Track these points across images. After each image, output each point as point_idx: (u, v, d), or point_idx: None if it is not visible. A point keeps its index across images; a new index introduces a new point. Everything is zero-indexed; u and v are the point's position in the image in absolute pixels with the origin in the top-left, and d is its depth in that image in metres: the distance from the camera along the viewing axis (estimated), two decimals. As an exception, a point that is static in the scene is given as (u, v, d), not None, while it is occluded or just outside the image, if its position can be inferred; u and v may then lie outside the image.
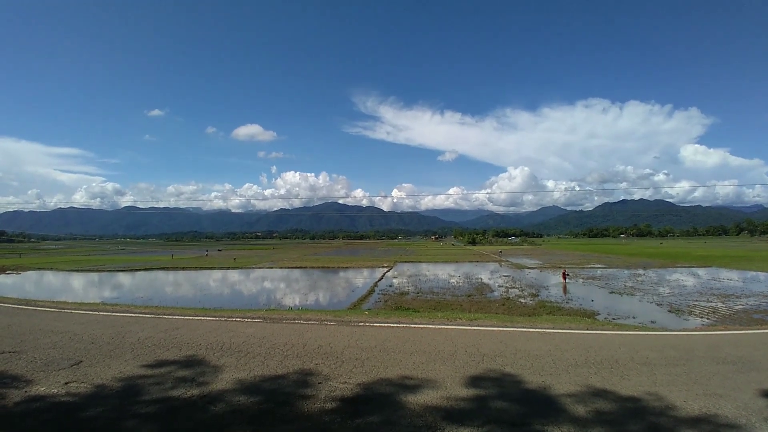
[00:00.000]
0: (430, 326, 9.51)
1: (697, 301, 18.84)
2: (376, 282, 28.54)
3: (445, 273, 35.89)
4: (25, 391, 5.15)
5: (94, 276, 36.88)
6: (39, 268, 43.83)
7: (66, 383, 5.47)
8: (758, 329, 10.08)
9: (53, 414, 4.49)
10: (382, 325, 9.66)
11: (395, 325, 9.64)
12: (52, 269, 43.04)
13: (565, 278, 28.74)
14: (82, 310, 12.08)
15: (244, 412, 4.53)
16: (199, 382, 5.48)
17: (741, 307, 16.71)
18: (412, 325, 9.61)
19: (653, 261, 45.04)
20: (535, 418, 4.34)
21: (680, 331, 10.18)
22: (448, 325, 9.72)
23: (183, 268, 43.03)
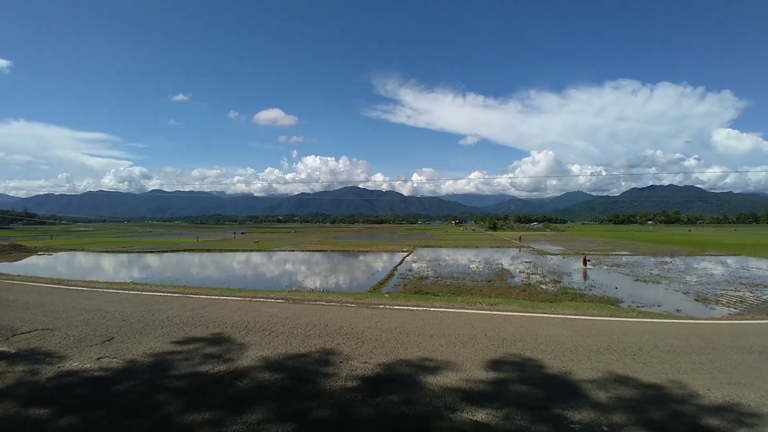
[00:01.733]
0: (450, 310, 9.54)
1: (724, 290, 18.26)
2: (396, 266, 28.69)
3: (464, 258, 35.75)
4: (59, 367, 5.41)
5: (124, 257, 38.35)
6: (70, 249, 45.82)
7: (98, 359, 5.74)
8: (789, 320, 9.68)
9: (86, 388, 4.72)
10: (402, 308, 9.75)
11: (415, 308, 9.72)
12: (83, 250, 44.95)
13: (585, 264, 28.67)
14: (112, 289, 12.61)
15: (268, 388, 4.69)
16: (225, 359, 5.69)
17: (771, 297, 16.10)
18: (432, 309, 9.66)
19: (681, 249, 43.68)
20: (554, 403, 4.34)
21: (706, 319, 9.92)
22: (468, 309, 9.73)
23: (208, 250, 44.26)
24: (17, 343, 6.50)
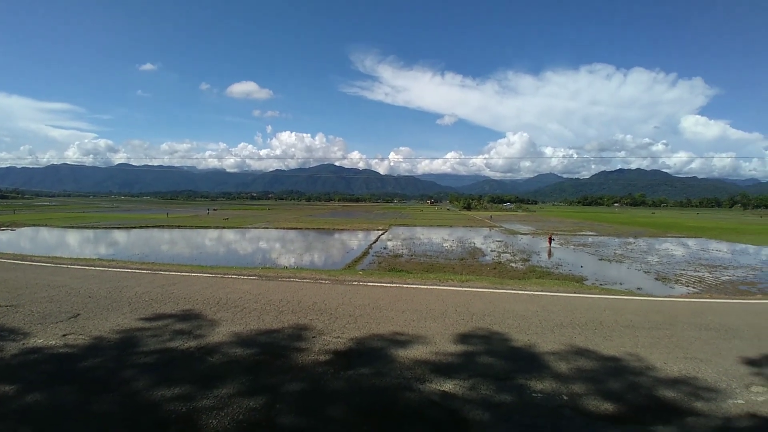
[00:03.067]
0: (422, 286, 9.72)
1: (684, 270, 19.28)
2: (371, 244, 28.84)
3: (439, 237, 36.26)
4: (23, 344, 5.24)
5: (90, 233, 36.91)
6: (34, 225, 43.68)
7: (64, 335, 5.58)
8: (743, 299, 10.31)
9: (52, 365, 4.61)
10: (376, 284, 9.86)
11: (388, 284, 9.84)
12: (47, 225, 42.93)
13: (551, 242, 30.26)
14: (78, 265, 12.17)
15: (240, 363, 4.70)
16: (195, 335, 5.64)
17: (727, 277, 17.13)
18: (405, 285, 9.81)
19: (644, 230, 45.67)
20: (519, 374, 4.55)
21: (665, 297, 10.46)
22: (439, 285, 9.93)
23: (179, 227, 43.14)
24: (-25, 320, 6.22)
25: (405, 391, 4.08)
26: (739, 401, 4.04)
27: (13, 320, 6.26)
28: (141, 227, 42.00)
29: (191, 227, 42.86)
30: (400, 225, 50.92)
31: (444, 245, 29.33)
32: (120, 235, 34.80)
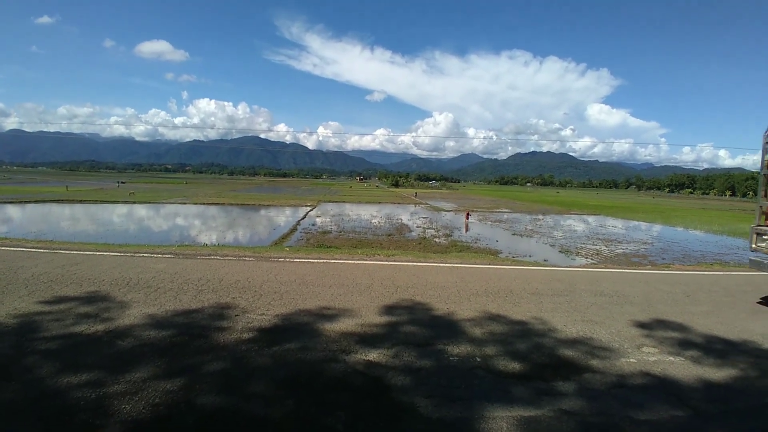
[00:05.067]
0: (350, 261, 9.85)
1: (584, 244, 21.54)
2: (299, 221, 28.28)
3: (367, 213, 36.60)
4: None
5: (-36, 207, 31.56)
6: None
7: (-52, 322, 4.83)
8: (634, 269, 11.74)
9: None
10: (303, 260, 9.77)
11: (316, 260, 9.80)
12: None
13: (468, 218, 32.30)
14: (-49, 244, 10.45)
15: (154, 345, 4.43)
16: (103, 318, 5.19)
17: (621, 251, 19.45)
18: (333, 261, 9.85)
19: (552, 208, 50.15)
20: (438, 340, 4.87)
21: (566, 267, 11.68)
22: (366, 260, 10.13)
23: (80, 201, 38.50)
24: None
25: (330, 363, 4.16)
26: (631, 360, 4.60)
27: None
28: (37, 201, 36.75)
29: (95, 202, 38.48)
30: (329, 201, 50.46)
31: (372, 221, 29.69)
32: (13, 211, 30.20)
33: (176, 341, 4.57)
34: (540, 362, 4.45)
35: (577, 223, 33.67)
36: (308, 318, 5.49)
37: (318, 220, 29.45)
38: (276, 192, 70.12)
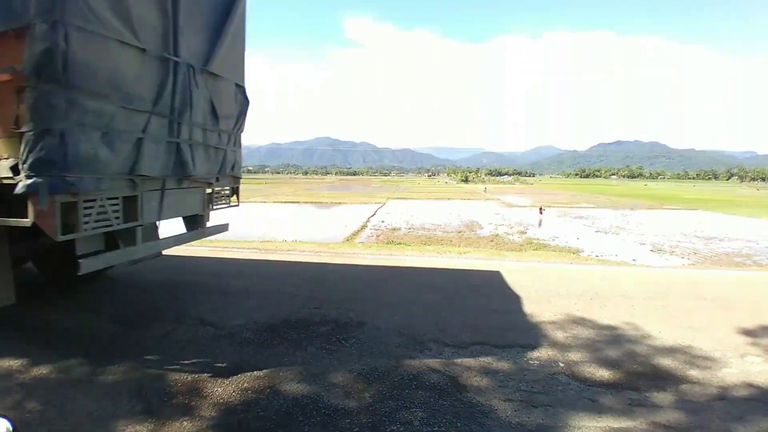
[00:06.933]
0: (421, 258, 9.80)
1: (679, 242, 19.43)
2: (369, 218, 28.86)
3: (436, 210, 36.30)
4: None
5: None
6: None
7: None
8: (738, 270, 10.40)
9: None
10: (375, 256, 9.92)
11: (387, 256, 9.90)
12: None
13: (541, 213, 30.68)
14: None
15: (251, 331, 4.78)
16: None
17: (722, 250, 17.27)
18: (404, 257, 9.88)
19: (641, 202, 45.81)
20: (516, 342, 4.65)
21: (660, 267, 10.58)
22: (438, 257, 10.01)
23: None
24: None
25: (407, 359, 4.17)
26: (734, 370, 4.11)
27: None
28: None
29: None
30: (398, 198, 50.85)
31: (441, 218, 29.39)
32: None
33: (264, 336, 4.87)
34: (632, 370, 4.07)
35: (670, 219, 30.42)
36: (383, 313, 5.54)
37: (387, 216, 29.79)
38: (346, 190, 72.27)
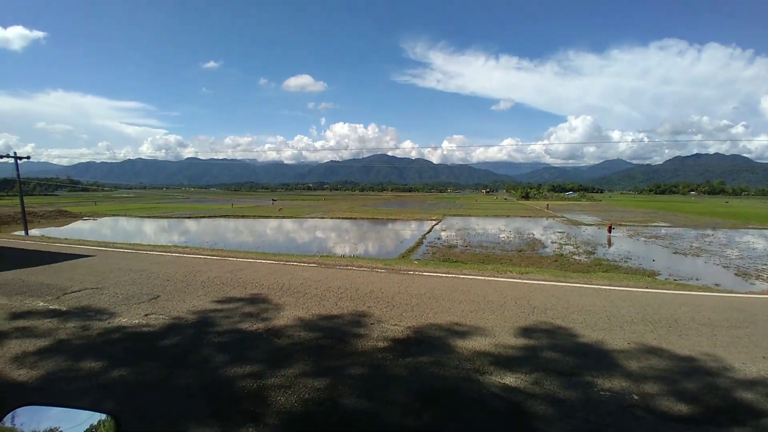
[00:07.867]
0: (479, 277, 9.56)
1: (766, 264, 17.34)
2: (425, 234, 28.77)
3: (494, 227, 35.35)
4: (108, 322, 5.82)
5: (164, 222, 40.23)
6: (114, 215, 48.42)
7: (146, 315, 6.16)
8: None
9: (134, 342, 5.10)
10: (431, 274, 9.84)
11: (444, 275, 9.78)
12: (125, 215, 47.39)
13: (610, 231, 29.74)
14: (156, 251, 13.30)
15: (305, 345, 4.95)
16: (263, 318, 6.00)
17: (817, 274, 15.18)
18: (461, 276, 9.70)
19: (723, 221, 41.45)
20: (585, 370, 4.37)
21: (746, 293, 9.50)
22: (497, 277, 9.71)
23: (243, 216, 45.72)
24: (68, 301, 7.02)
25: (465, 382, 4.08)
26: None
27: (99, 301, 6.99)
28: (209, 217, 45.00)
29: (253, 217, 45.25)
30: (454, 215, 50.24)
31: (500, 236, 28.55)
32: (191, 224, 37.55)
33: (322, 343, 5.03)
34: (711, 405, 3.70)
35: (756, 240, 27.23)
36: (440, 332, 5.49)
37: (443, 234, 29.51)
38: (402, 206, 72.62)
